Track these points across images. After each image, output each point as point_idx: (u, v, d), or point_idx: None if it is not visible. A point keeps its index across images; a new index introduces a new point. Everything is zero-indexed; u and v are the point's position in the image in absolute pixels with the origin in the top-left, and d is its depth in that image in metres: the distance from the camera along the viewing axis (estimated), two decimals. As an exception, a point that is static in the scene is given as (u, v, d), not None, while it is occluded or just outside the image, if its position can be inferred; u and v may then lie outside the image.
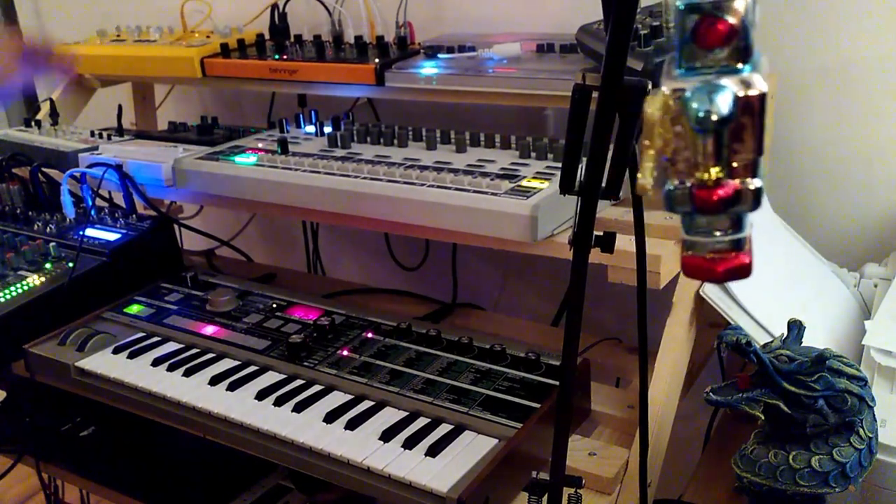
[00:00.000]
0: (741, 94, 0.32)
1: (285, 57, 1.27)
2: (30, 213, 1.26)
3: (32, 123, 1.46)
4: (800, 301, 0.92)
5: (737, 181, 0.33)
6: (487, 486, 0.71)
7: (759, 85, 0.32)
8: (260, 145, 1.15)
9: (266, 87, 1.33)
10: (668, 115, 0.33)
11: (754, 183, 0.34)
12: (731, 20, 0.32)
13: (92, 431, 1.09)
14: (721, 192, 0.33)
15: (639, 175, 0.35)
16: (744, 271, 0.35)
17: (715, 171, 0.33)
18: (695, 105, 0.32)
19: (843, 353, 0.68)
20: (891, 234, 1.11)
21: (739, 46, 0.33)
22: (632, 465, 0.78)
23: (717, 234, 0.35)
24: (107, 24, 1.55)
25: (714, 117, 0.32)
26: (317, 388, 0.86)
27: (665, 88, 0.33)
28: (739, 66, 0.33)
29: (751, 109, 0.32)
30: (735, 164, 0.33)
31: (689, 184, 0.34)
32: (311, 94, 1.40)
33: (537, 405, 0.80)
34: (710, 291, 0.85)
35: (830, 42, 1.09)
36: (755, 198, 0.34)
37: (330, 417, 0.80)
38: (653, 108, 0.34)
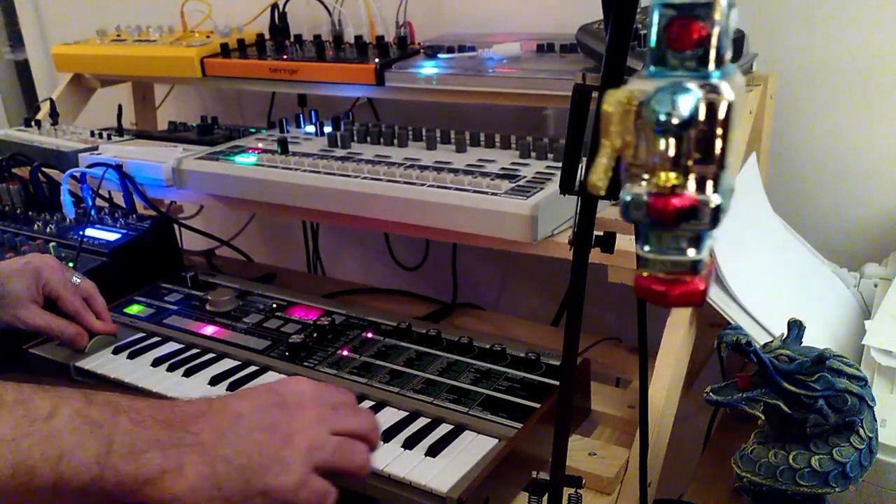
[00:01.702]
0: (706, 99, 0.31)
1: (285, 57, 1.27)
2: (30, 213, 1.26)
3: (32, 123, 1.46)
4: (800, 301, 0.92)
5: (694, 193, 0.32)
6: (487, 486, 0.71)
7: (727, 93, 0.31)
8: (260, 145, 1.15)
9: (266, 87, 1.33)
10: (630, 114, 0.32)
11: (714, 199, 0.32)
12: (705, 24, 0.32)
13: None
14: (676, 201, 0.32)
15: (591, 171, 0.34)
16: (697, 298, 0.33)
17: (671, 178, 0.32)
18: (656, 106, 0.31)
19: (843, 353, 0.68)
20: (891, 234, 1.11)
21: (711, 51, 0.32)
22: (632, 465, 0.78)
23: (674, 252, 0.33)
24: (107, 24, 1.55)
25: (675, 120, 0.31)
26: (317, 388, 0.86)
27: (629, 86, 0.32)
28: (710, 71, 0.32)
29: (714, 116, 0.31)
30: (694, 175, 0.32)
31: (644, 193, 0.33)
32: (311, 94, 1.40)
33: (537, 405, 0.80)
34: (711, 291, 0.85)
35: (830, 42, 1.09)
36: (713, 216, 0.32)
37: (330, 417, 0.80)
38: (611, 103, 0.33)
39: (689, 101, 0.31)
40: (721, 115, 0.31)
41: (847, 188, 1.13)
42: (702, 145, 0.32)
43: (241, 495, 0.58)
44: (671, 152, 0.32)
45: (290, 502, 0.60)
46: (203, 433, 0.59)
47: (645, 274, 0.34)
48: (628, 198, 0.33)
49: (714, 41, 0.32)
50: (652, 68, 0.33)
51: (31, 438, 0.54)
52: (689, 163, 0.32)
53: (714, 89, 0.31)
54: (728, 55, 0.32)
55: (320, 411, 0.65)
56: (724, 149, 0.32)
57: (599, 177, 0.34)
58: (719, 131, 0.32)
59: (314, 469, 0.62)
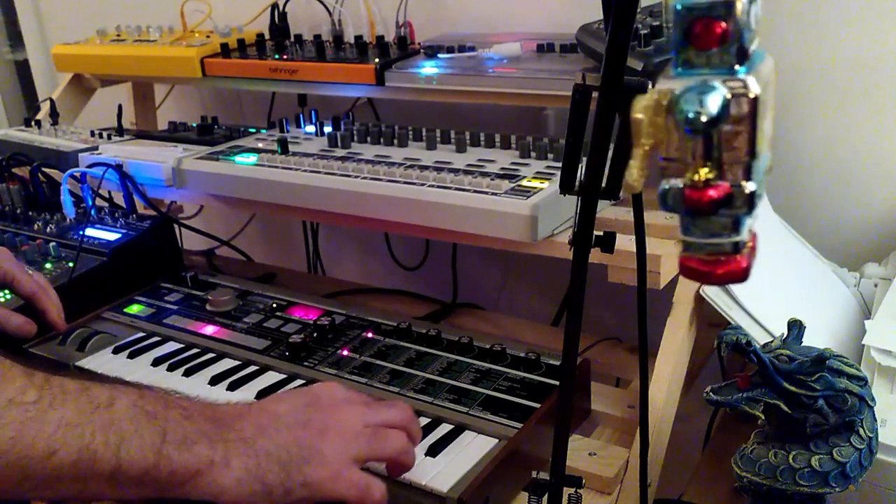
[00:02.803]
0: (732, 95, 0.32)
1: (285, 57, 1.27)
2: (30, 213, 1.26)
3: (32, 123, 1.46)
4: (800, 301, 0.92)
5: (728, 183, 0.33)
6: (487, 486, 0.71)
7: (753, 87, 0.32)
8: (260, 145, 1.15)
9: (266, 87, 1.33)
10: (660, 114, 0.33)
11: (748, 186, 0.33)
12: (727, 21, 0.32)
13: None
14: (712, 192, 0.33)
15: (626, 174, 0.35)
16: (741, 275, 0.35)
17: (704, 172, 0.33)
18: (684, 105, 0.32)
19: (843, 353, 0.68)
20: (891, 234, 1.11)
21: (735, 48, 0.33)
22: (632, 465, 0.78)
23: (714, 236, 0.35)
24: (107, 24, 1.55)
25: (703, 118, 0.32)
26: (317, 388, 0.86)
27: (657, 88, 0.33)
28: (735, 67, 0.33)
29: (742, 111, 0.32)
30: (727, 166, 0.33)
31: (680, 184, 0.34)
32: (311, 94, 1.40)
33: (537, 405, 0.80)
34: (711, 291, 0.85)
35: (831, 41, 1.09)
36: (749, 201, 0.33)
37: (330, 417, 0.80)
38: (640, 107, 0.34)
39: (717, 99, 0.32)
40: (748, 109, 0.32)
41: (847, 188, 1.13)
42: (733, 139, 0.33)
43: (283, 488, 0.61)
44: (703, 149, 0.33)
45: (330, 494, 0.62)
46: (245, 430, 0.62)
47: (689, 255, 0.35)
48: (666, 187, 0.34)
49: (737, 36, 0.32)
50: (678, 68, 0.34)
51: (93, 425, 0.55)
52: (722, 155, 0.33)
53: (740, 85, 0.32)
54: (753, 47, 0.33)
55: (354, 407, 0.68)
56: (753, 139, 0.33)
57: (635, 178, 0.35)
58: (748, 124, 0.33)
59: (353, 462, 0.64)
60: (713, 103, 0.32)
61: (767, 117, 0.34)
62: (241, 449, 0.61)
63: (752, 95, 0.32)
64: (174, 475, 0.57)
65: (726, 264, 0.35)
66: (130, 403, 0.58)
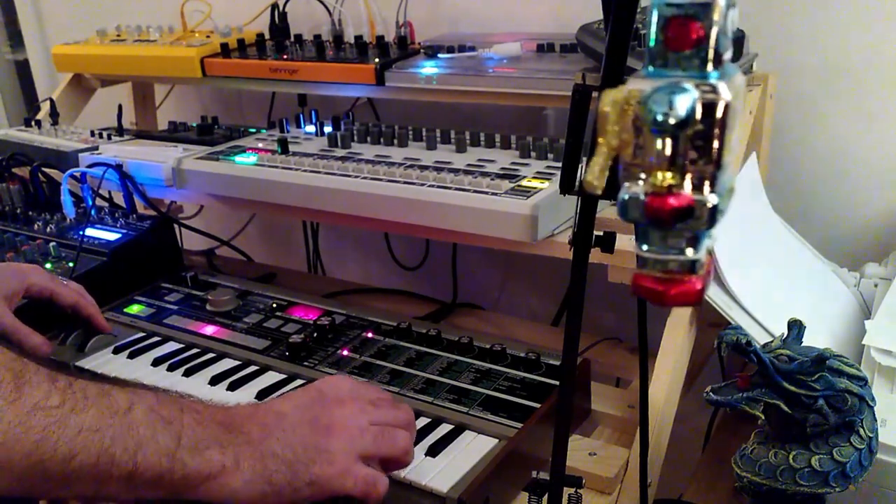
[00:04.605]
0: (703, 99, 0.31)
1: (285, 57, 1.27)
2: (30, 213, 1.26)
3: (32, 123, 1.46)
4: (800, 301, 0.92)
5: (691, 193, 0.32)
6: (487, 486, 0.71)
7: (724, 94, 0.31)
8: (260, 145, 1.15)
9: (266, 87, 1.33)
10: (628, 113, 0.33)
11: (711, 199, 0.32)
12: (704, 24, 0.32)
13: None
14: (673, 201, 0.32)
15: (588, 171, 0.34)
16: (694, 297, 0.34)
17: (668, 177, 0.32)
18: (653, 105, 0.31)
19: (843, 353, 0.68)
20: (891, 234, 1.11)
21: (710, 52, 0.32)
22: (632, 465, 0.78)
23: (672, 251, 0.33)
24: (107, 24, 1.55)
25: (671, 119, 0.31)
26: (317, 388, 0.86)
27: (627, 86, 0.33)
28: (708, 71, 0.32)
29: (712, 116, 0.31)
30: (691, 175, 0.32)
31: (641, 193, 0.33)
32: (311, 94, 1.40)
33: (537, 405, 0.80)
34: (710, 291, 0.85)
35: (831, 42, 1.09)
36: (710, 216, 0.32)
37: (330, 417, 0.80)
38: (609, 100, 0.33)
39: (687, 101, 0.31)
40: (718, 115, 0.31)
41: (847, 188, 1.13)
42: (699, 145, 0.32)
43: (291, 487, 0.62)
44: (668, 152, 0.32)
45: (338, 491, 0.63)
46: (252, 432, 0.63)
47: (643, 273, 0.34)
48: (626, 197, 0.33)
49: (712, 41, 0.32)
50: (650, 68, 0.33)
51: (113, 429, 0.57)
52: (687, 162, 0.32)
53: (712, 89, 0.31)
54: (727, 55, 0.32)
55: (359, 405, 0.69)
56: (721, 149, 0.32)
57: (596, 176, 0.34)
58: (716, 131, 0.32)
59: (359, 458, 0.65)
60: (682, 105, 0.31)
61: (736, 131, 0.33)
62: (248, 451, 0.62)
63: (723, 101, 0.31)
64: (187, 479, 0.59)
65: (680, 285, 0.34)
66: (148, 408, 0.60)
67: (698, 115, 0.31)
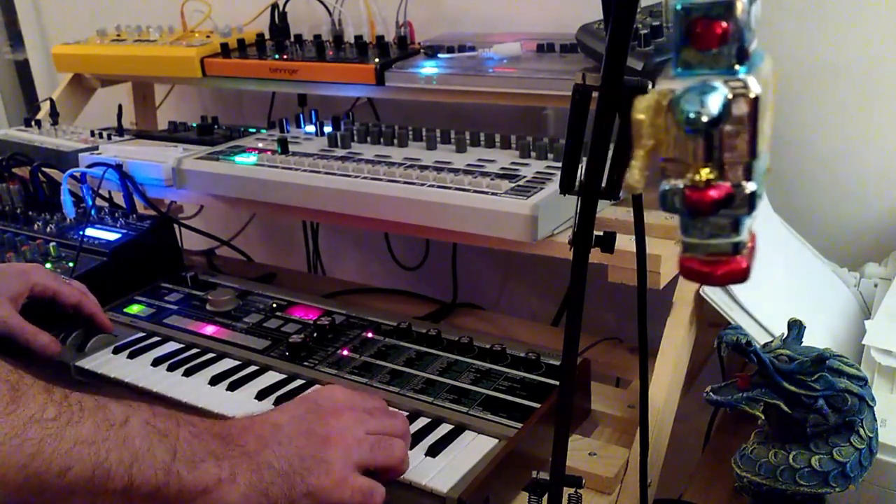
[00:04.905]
0: (733, 95, 0.32)
1: (285, 57, 1.27)
2: (30, 213, 1.26)
3: (32, 123, 1.46)
4: (800, 301, 0.92)
5: (729, 183, 0.33)
6: (487, 486, 0.71)
7: (753, 87, 0.32)
8: (260, 145, 1.15)
9: (266, 86, 1.33)
10: (661, 115, 0.33)
11: (748, 186, 0.33)
12: (727, 22, 0.32)
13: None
14: (713, 193, 0.33)
15: (627, 174, 0.35)
16: (741, 275, 0.35)
17: (705, 173, 0.33)
18: (685, 105, 0.32)
19: (843, 353, 0.68)
20: (891, 234, 1.11)
21: (735, 48, 0.33)
22: (632, 465, 0.78)
23: (715, 236, 0.35)
24: (107, 24, 1.55)
25: (704, 118, 0.32)
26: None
27: (658, 88, 0.33)
28: (735, 67, 0.33)
29: (742, 111, 0.32)
30: (727, 167, 0.33)
31: (681, 185, 0.34)
32: (311, 94, 1.40)
33: (537, 405, 0.80)
34: (711, 291, 0.85)
35: (831, 41, 1.09)
36: (749, 201, 0.33)
37: (330, 417, 0.80)
38: (641, 107, 0.34)
39: (718, 100, 0.32)
40: (749, 109, 0.32)
41: (847, 188, 1.13)
42: (733, 139, 0.33)
43: (287, 499, 0.62)
44: (704, 149, 0.33)
45: (335, 501, 0.63)
46: (248, 444, 0.63)
47: (689, 256, 0.35)
48: (667, 188, 0.34)
49: (737, 37, 0.32)
50: (679, 69, 0.34)
51: (108, 442, 0.57)
52: (723, 156, 0.33)
53: (741, 85, 0.32)
54: (753, 47, 0.33)
55: (354, 414, 0.69)
56: (754, 139, 0.33)
57: (636, 179, 0.35)
58: (749, 125, 0.32)
59: (355, 468, 0.65)
60: (714, 103, 0.32)
61: (766, 118, 0.34)
62: (244, 463, 0.62)
63: (752, 95, 0.32)
64: (183, 493, 0.59)
65: (726, 265, 0.35)
66: (143, 421, 0.60)
67: (731, 112, 0.32)
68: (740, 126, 0.32)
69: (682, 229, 0.35)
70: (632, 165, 0.35)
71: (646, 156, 0.35)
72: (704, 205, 0.33)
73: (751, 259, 0.35)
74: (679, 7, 0.33)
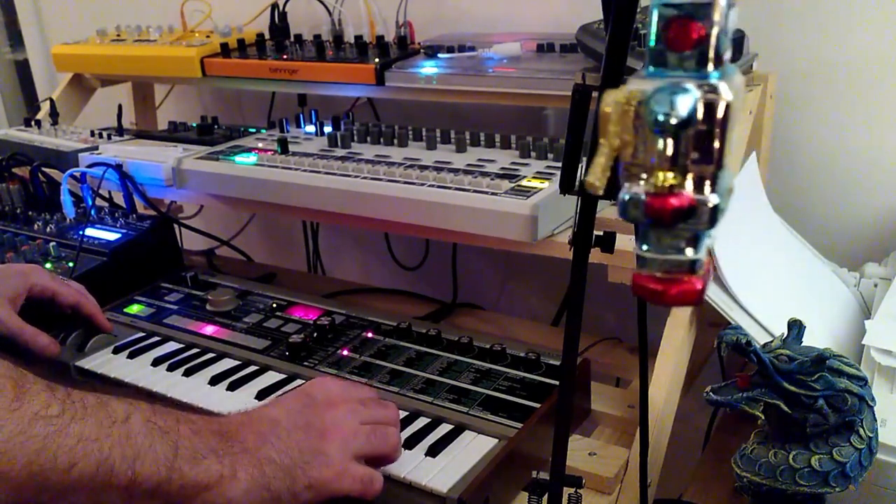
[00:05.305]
0: (704, 99, 0.31)
1: (285, 57, 1.27)
2: (30, 212, 1.26)
3: (32, 123, 1.46)
4: (800, 301, 0.92)
5: (692, 193, 0.32)
6: (487, 486, 0.71)
7: (725, 94, 0.31)
8: (260, 145, 1.15)
9: (266, 86, 1.33)
10: (629, 114, 0.33)
11: (712, 199, 0.32)
12: (704, 25, 0.32)
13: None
14: (674, 201, 0.32)
15: (590, 171, 0.34)
16: (694, 297, 0.33)
17: (669, 178, 0.32)
18: (655, 106, 0.31)
19: (843, 353, 0.68)
20: (891, 234, 1.11)
21: (710, 52, 0.32)
22: (632, 465, 0.78)
23: (672, 251, 0.33)
24: (107, 24, 1.55)
25: (673, 120, 0.31)
26: (317, 387, 0.86)
27: (628, 87, 0.33)
28: (709, 72, 0.32)
29: (712, 117, 0.31)
30: (692, 175, 0.32)
31: (642, 192, 0.33)
32: (311, 94, 1.40)
33: (537, 405, 0.80)
34: (711, 291, 0.85)
35: (831, 41, 1.09)
36: (711, 216, 0.32)
37: (330, 417, 0.80)
38: (609, 100, 0.33)
39: (688, 102, 0.31)
40: (719, 115, 0.31)
41: (847, 188, 1.13)
42: (700, 145, 0.32)
43: (290, 492, 0.63)
44: (669, 152, 0.32)
45: (336, 492, 0.64)
46: (248, 440, 0.64)
47: (642, 273, 0.34)
48: (626, 197, 0.33)
49: (713, 41, 0.32)
50: (651, 68, 0.33)
51: (111, 439, 0.57)
52: (688, 162, 0.32)
53: (712, 90, 0.31)
54: (727, 55, 0.33)
55: (349, 406, 0.70)
56: (722, 149, 0.32)
57: (597, 176, 0.34)
58: (717, 131, 0.32)
59: (353, 458, 0.66)
60: (684, 105, 0.31)
61: (737, 134, 0.33)
62: (245, 459, 0.62)
63: (724, 101, 0.31)
64: (185, 489, 0.59)
65: (680, 284, 0.34)
66: (145, 418, 0.60)
67: (700, 116, 0.31)
68: (709, 132, 0.32)
69: (640, 240, 0.34)
70: (594, 163, 0.34)
71: (610, 154, 0.33)
72: (665, 212, 0.32)
73: (706, 281, 0.34)
74: (657, 6, 0.32)
